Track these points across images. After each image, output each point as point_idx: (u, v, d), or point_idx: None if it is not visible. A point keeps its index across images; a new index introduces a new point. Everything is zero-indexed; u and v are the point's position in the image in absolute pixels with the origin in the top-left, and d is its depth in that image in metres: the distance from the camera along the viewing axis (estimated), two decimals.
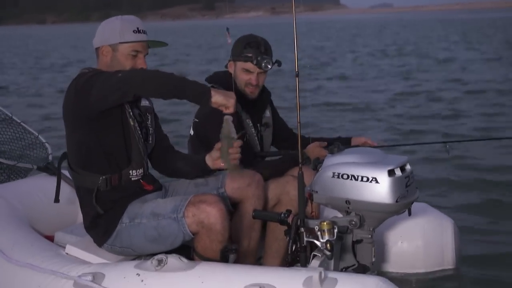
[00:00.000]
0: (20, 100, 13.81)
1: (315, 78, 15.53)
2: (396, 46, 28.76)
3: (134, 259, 2.90)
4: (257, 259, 3.24)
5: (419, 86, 13.66)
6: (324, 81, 15.26)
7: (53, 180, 3.37)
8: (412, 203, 2.84)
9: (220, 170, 3.01)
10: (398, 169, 2.75)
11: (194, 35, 57.05)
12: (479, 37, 33.86)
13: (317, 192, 2.85)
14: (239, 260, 2.98)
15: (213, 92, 2.70)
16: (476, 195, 5.40)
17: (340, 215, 2.91)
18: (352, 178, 2.75)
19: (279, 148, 3.66)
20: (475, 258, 3.88)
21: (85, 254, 2.97)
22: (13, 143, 4.07)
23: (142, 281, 2.59)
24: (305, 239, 2.77)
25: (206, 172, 3.08)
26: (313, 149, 3.38)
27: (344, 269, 2.85)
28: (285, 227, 2.86)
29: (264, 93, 3.54)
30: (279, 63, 3.37)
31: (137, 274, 2.62)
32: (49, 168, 3.77)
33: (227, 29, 2.90)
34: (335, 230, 2.70)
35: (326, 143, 3.39)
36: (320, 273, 2.40)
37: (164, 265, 2.61)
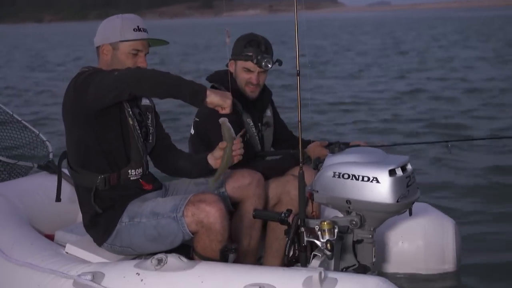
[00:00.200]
0: (19, 99, 13.83)
1: (316, 77, 15.50)
2: (395, 45, 28.70)
3: (134, 259, 2.89)
4: (257, 259, 3.24)
5: (419, 85, 13.61)
6: (324, 80, 15.22)
7: (53, 179, 3.36)
8: (413, 203, 2.84)
9: None
10: (399, 168, 2.74)
11: (192, 34, 57.05)
12: (478, 35, 33.82)
13: (317, 191, 2.85)
14: (239, 260, 2.97)
15: (208, 92, 2.70)
16: (477, 196, 5.39)
17: (340, 215, 2.90)
18: (353, 177, 2.74)
19: (277, 149, 3.65)
20: (476, 258, 3.86)
21: (85, 253, 2.96)
22: (14, 141, 4.07)
23: (141, 280, 2.59)
24: (306, 238, 2.77)
25: (208, 171, 3.07)
26: (314, 149, 3.37)
27: (344, 269, 2.84)
28: (286, 227, 2.85)
29: (265, 92, 3.53)
30: (279, 62, 3.37)
31: (136, 273, 2.61)
32: (50, 167, 3.76)
33: (226, 29, 2.88)
34: (336, 230, 2.70)
35: (327, 142, 3.38)
36: (320, 273, 2.39)
37: (164, 264, 2.60)
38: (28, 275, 2.79)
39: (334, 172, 2.78)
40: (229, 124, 2.80)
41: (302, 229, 2.77)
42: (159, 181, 3.13)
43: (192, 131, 3.44)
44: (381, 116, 9.94)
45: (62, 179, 3.29)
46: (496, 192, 5.47)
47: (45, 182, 3.61)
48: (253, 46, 3.33)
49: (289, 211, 2.85)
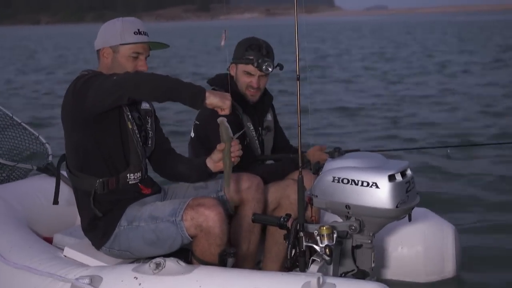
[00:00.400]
0: (18, 101, 13.83)
1: (316, 82, 15.48)
2: (393, 49, 28.68)
3: (132, 262, 2.89)
4: (256, 263, 3.23)
5: (417, 90, 13.60)
6: (323, 85, 15.21)
7: (52, 181, 3.35)
8: (413, 208, 2.83)
9: (221, 172, 2.99)
10: (399, 174, 2.73)
11: (189, 36, 57.10)
12: (476, 40, 33.82)
13: (317, 196, 2.84)
14: (238, 264, 2.97)
15: (207, 94, 2.70)
16: (477, 200, 5.37)
17: (340, 219, 2.89)
18: (352, 182, 2.73)
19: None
20: (476, 264, 3.85)
21: (83, 257, 2.96)
22: (13, 143, 4.06)
23: (139, 284, 2.58)
24: (304, 243, 2.76)
25: (208, 175, 3.06)
26: (313, 153, 3.37)
27: (343, 274, 2.83)
28: (285, 231, 2.85)
29: (266, 96, 3.53)
30: (280, 66, 3.36)
31: (134, 277, 2.61)
32: (49, 169, 3.75)
33: (225, 31, 2.88)
34: (335, 235, 2.69)
35: (326, 146, 3.38)
36: (319, 278, 2.39)
37: (162, 268, 2.60)
38: (25, 279, 2.78)
39: (334, 177, 2.77)
40: (227, 124, 2.80)
41: (301, 233, 2.76)
42: (158, 185, 3.12)
43: (192, 134, 3.43)
44: (380, 121, 9.92)
45: (61, 181, 3.29)
46: (497, 196, 5.45)
47: (44, 185, 3.60)
48: (254, 49, 3.32)
49: (288, 216, 2.84)
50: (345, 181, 2.74)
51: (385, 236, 3.40)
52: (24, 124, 4.06)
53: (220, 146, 2.85)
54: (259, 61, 3.27)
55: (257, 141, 3.44)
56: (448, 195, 5.56)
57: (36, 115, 11.29)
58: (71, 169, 2.96)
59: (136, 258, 2.93)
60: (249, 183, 3.04)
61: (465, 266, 3.60)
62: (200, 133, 3.37)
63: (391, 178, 2.69)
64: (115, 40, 2.93)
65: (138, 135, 2.95)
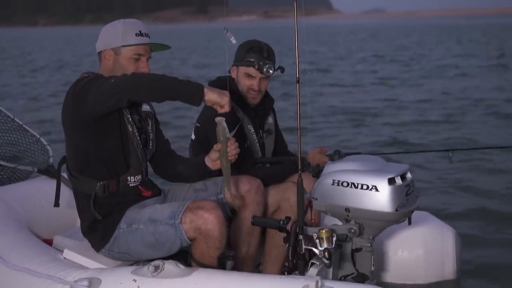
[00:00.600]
0: (17, 103, 13.85)
1: (315, 85, 15.47)
2: (392, 52, 28.64)
3: (132, 265, 2.89)
4: (256, 266, 3.23)
5: (418, 94, 13.58)
6: (323, 88, 15.19)
7: (53, 183, 3.35)
8: (412, 212, 2.81)
9: (221, 170, 2.99)
10: (399, 177, 2.72)
11: (187, 39, 57.11)
12: (475, 43, 33.78)
13: (316, 199, 2.83)
14: (238, 266, 2.97)
15: (206, 90, 2.69)
16: (477, 205, 5.36)
17: (340, 223, 2.88)
18: (352, 185, 2.72)
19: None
20: (476, 268, 3.85)
21: (82, 259, 2.95)
22: (15, 145, 4.06)
23: (138, 287, 2.58)
24: (304, 246, 2.75)
25: (207, 174, 3.06)
26: (314, 155, 3.37)
27: (343, 278, 2.82)
28: (285, 234, 2.84)
29: (267, 99, 3.53)
30: (282, 69, 3.37)
31: (133, 280, 2.61)
32: (50, 171, 3.76)
33: (226, 30, 2.88)
34: (334, 238, 2.68)
35: (327, 149, 3.37)
36: (317, 281, 2.38)
37: (161, 271, 2.60)
38: (25, 280, 2.78)
39: (333, 180, 2.76)
40: (225, 124, 2.80)
41: (300, 236, 2.76)
42: (158, 187, 3.12)
43: (193, 137, 3.43)
44: (380, 124, 9.91)
45: (62, 183, 3.29)
46: (497, 201, 5.44)
47: (45, 187, 3.61)
48: (255, 52, 3.33)
49: (288, 219, 2.84)
50: (345, 184, 2.73)
51: (386, 239, 3.39)
52: (25, 126, 4.07)
53: (216, 147, 2.86)
54: (260, 63, 3.27)
55: (257, 144, 3.44)
56: (449, 199, 5.56)
57: (37, 116, 11.32)
58: (72, 172, 2.96)
59: (136, 260, 2.93)
60: (249, 186, 3.04)
61: (466, 269, 3.59)
62: (201, 135, 3.37)
63: (391, 181, 2.68)
64: (117, 42, 2.92)
65: (138, 138, 2.95)
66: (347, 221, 2.80)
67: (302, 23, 2.73)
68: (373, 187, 2.68)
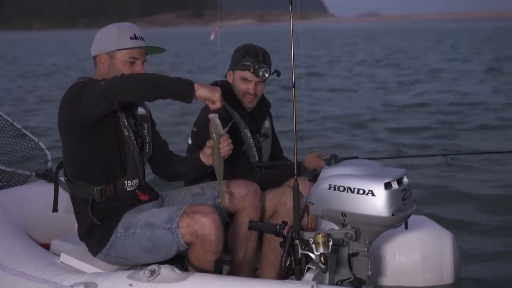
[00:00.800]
0: (19, 107, 13.86)
1: (311, 89, 15.45)
2: (389, 56, 28.60)
3: (129, 269, 2.89)
4: (254, 270, 3.22)
5: (414, 98, 13.55)
6: (319, 92, 15.17)
7: (51, 187, 3.35)
8: (409, 216, 2.80)
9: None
10: (395, 182, 2.71)
11: (183, 43, 57.10)
12: (470, 47, 33.75)
13: (313, 203, 2.82)
14: (235, 271, 2.96)
15: (197, 86, 2.69)
16: (476, 209, 5.35)
17: (336, 227, 2.88)
18: (348, 190, 2.72)
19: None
20: (474, 273, 3.83)
21: (79, 263, 2.95)
22: (13, 149, 4.07)
23: None
24: (300, 251, 2.75)
25: (204, 169, 3.06)
26: (310, 160, 3.37)
27: (339, 282, 2.82)
28: (281, 239, 2.84)
29: (263, 103, 3.53)
30: (278, 73, 3.37)
31: (129, 284, 2.60)
32: (48, 175, 3.77)
33: (217, 27, 2.88)
34: (330, 243, 2.67)
35: (324, 154, 3.37)
36: (313, 286, 2.38)
37: (157, 276, 2.59)
38: (21, 285, 2.78)
39: (330, 184, 2.76)
40: (218, 121, 2.80)
41: (297, 241, 2.75)
42: (156, 191, 3.12)
43: (190, 141, 3.44)
44: (377, 129, 9.89)
45: (60, 187, 3.29)
46: (496, 205, 5.43)
47: (43, 191, 3.62)
48: (251, 56, 3.33)
49: (284, 223, 2.84)
50: (341, 188, 2.73)
51: (383, 244, 3.38)
52: (24, 130, 4.08)
53: (209, 143, 2.85)
54: (256, 67, 3.28)
55: (254, 148, 3.44)
56: (446, 202, 5.55)
57: (35, 120, 11.33)
58: (69, 177, 2.96)
59: (133, 265, 2.93)
60: (246, 190, 3.04)
61: (464, 274, 3.58)
62: (198, 139, 3.36)
63: (387, 186, 2.67)
64: (112, 45, 2.93)
65: (134, 142, 2.95)
66: (343, 225, 2.80)
67: (297, 27, 2.73)
68: (370, 192, 2.67)
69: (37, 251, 3.06)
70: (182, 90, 2.67)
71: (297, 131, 2.82)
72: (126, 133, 2.90)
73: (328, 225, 3.20)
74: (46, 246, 3.29)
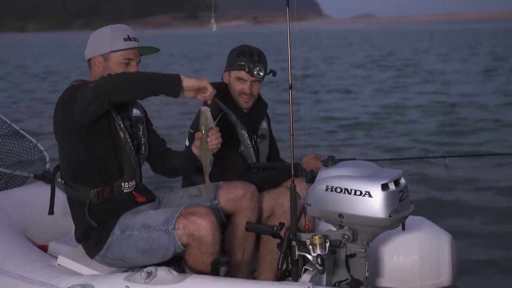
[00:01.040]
0: (18, 109, 13.84)
1: (308, 91, 15.43)
2: (384, 58, 28.56)
3: (126, 271, 2.88)
4: (251, 271, 3.22)
5: (410, 100, 13.53)
6: (315, 94, 15.14)
7: (49, 189, 3.35)
8: (406, 217, 2.81)
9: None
10: (392, 183, 2.71)
11: (178, 44, 57.07)
12: (465, 48, 33.74)
13: (310, 205, 2.82)
14: (233, 272, 2.96)
15: (182, 77, 2.68)
16: (474, 210, 5.34)
17: (334, 228, 2.87)
18: (346, 191, 2.72)
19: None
20: (473, 273, 3.83)
21: (76, 266, 2.95)
22: (11, 150, 4.06)
23: None
24: (297, 252, 2.75)
25: (195, 162, 3.03)
26: (308, 161, 3.37)
27: (337, 284, 2.81)
28: (279, 240, 2.83)
29: (260, 103, 3.52)
30: (273, 73, 3.37)
31: (126, 286, 2.60)
32: (46, 177, 3.75)
33: (212, 16, 2.88)
34: (327, 244, 2.67)
35: (322, 155, 3.37)
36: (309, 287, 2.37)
37: (154, 277, 2.59)
38: (18, 287, 2.78)
39: (327, 186, 2.76)
40: (209, 114, 2.78)
41: (294, 243, 2.75)
42: (152, 193, 3.12)
43: (187, 143, 3.43)
44: (375, 130, 9.87)
45: (58, 189, 3.29)
46: (495, 207, 5.42)
47: (41, 192, 3.60)
48: (246, 56, 3.34)
49: (282, 225, 2.83)
50: (338, 190, 2.73)
51: (381, 245, 3.37)
52: (22, 132, 4.07)
53: (197, 135, 2.84)
54: (251, 66, 3.28)
55: (251, 149, 3.43)
56: (445, 204, 5.54)
57: (34, 122, 11.33)
58: (65, 180, 2.96)
59: (130, 267, 2.93)
60: (244, 191, 3.04)
61: (462, 275, 3.57)
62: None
63: (384, 187, 2.67)
64: (106, 48, 2.93)
65: (130, 144, 2.95)
66: (341, 227, 2.80)
67: (294, 28, 2.73)
68: (367, 193, 2.67)
69: (34, 253, 3.05)
70: (169, 83, 2.66)
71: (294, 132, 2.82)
72: (122, 135, 2.90)
73: (325, 227, 3.20)
74: (44, 248, 3.28)
